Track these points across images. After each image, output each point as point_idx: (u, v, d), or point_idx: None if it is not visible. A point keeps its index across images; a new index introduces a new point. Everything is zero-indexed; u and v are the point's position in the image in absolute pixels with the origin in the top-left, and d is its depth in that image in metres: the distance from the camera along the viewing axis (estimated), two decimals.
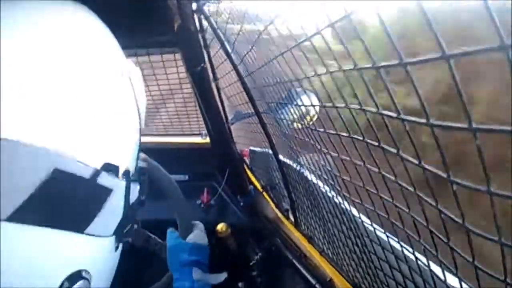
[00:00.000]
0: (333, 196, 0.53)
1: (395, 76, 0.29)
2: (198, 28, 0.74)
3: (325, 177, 0.52)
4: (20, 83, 0.25)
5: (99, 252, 0.35)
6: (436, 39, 0.21)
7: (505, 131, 0.20)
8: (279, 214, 0.86)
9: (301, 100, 0.54)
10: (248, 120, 0.88)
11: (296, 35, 0.37)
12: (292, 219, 0.80)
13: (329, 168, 0.49)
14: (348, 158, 0.41)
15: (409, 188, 0.31)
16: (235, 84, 0.81)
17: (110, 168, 0.31)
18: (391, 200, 0.36)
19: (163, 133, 1.30)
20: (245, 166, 1.03)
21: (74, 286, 0.30)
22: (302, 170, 0.66)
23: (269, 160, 0.83)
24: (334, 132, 0.41)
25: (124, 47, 0.84)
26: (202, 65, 0.78)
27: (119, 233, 0.36)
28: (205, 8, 0.70)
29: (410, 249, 0.39)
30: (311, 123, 0.51)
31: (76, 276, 0.31)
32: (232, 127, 0.99)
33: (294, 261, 0.74)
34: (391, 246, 0.43)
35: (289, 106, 0.58)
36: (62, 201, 0.28)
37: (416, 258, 0.38)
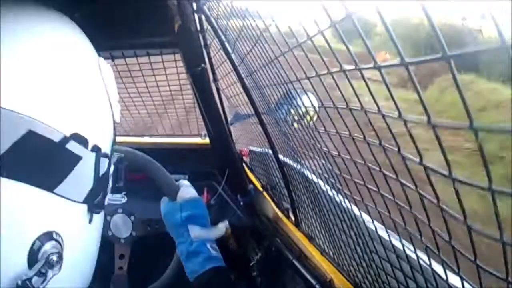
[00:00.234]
0: (334, 195, 0.53)
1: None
2: (198, 28, 0.74)
3: (326, 175, 0.52)
4: (5, 61, 0.30)
5: (72, 218, 0.37)
6: (437, 39, 0.21)
7: (505, 131, 0.20)
8: (279, 214, 0.86)
9: (301, 100, 0.54)
10: (248, 120, 0.88)
11: (297, 34, 0.37)
12: (293, 219, 0.80)
13: (330, 167, 0.49)
14: (348, 157, 0.41)
15: (411, 186, 0.31)
16: (235, 84, 0.81)
17: (79, 139, 0.36)
18: (392, 198, 0.36)
19: (163, 134, 1.30)
20: (245, 166, 1.03)
21: (45, 245, 0.32)
22: (302, 169, 0.66)
23: (269, 159, 0.83)
24: (334, 131, 0.41)
25: (124, 47, 0.84)
26: (202, 65, 0.78)
27: (90, 202, 0.39)
28: (205, 8, 0.70)
29: (412, 248, 0.39)
30: (311, 123, 0.52)
31: (48, 236, 0.33)
32: (232, 127, 0.99)
33: (294, 261, 0.74)
34: (392, 245, 0.43)
35: (289, 106, 0.58)
36: (34, 159, 0.32)
37: (418, 257, 0.38)
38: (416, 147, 0.28)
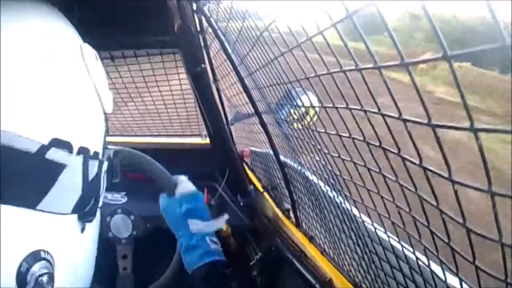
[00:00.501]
0: (334, 196, 0.53)
1: None
2: (198, 28, 0.74)
3: (326, 176, 0.52)
4: None
5: (61, 231, 0.34)
6: (438, 39, 0.21)
7: (506, 131, 0.20)
8: (279, 214, 0.86)
9: (301, 101, 0.54)
10: (249, 121, 0.88)
11: (297, 33, 0.37)
12: (293, 219, 0.80)
13: (330, 168, 0.49)
14: (348, 159, 0.41)
15: (410, 188, 0.31)
16: (235, 84, 0.81)
17: (60, 144, 0.32)
18: (392, 200, 0.36)
19: (164, 134, 1.30)
20: (245, 166, 1.03)
21: (33, 266, 0.30)
22: (303, 170, 0.66)
23: (270, 160, 0.83)
24: (334, 132, 0.41)
25: (124, 47, 0.84)
26: (202, 65, 0.78)
27: (80, 212, 0.36)
28: (205, 8, 0.70)
29: (411, 249, 0.39)
30: (311, 123, 0.51)
31: (35, 256, 0.30)
32: (233, 128, 0.99)
33: (294, 261, 0.74)
34: (392, 245, 0.43)
35: (289, 106, 0.58)
36: (9, 176, 0.28)
37: (417, 258, 0.38)
38: (416, 148, 0.28)
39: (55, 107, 0.32)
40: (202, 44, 0.78)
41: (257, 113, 0.73)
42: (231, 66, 0.72)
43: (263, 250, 0.90)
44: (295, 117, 0.58)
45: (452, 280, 0.35)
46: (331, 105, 0.38)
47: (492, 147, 3.71)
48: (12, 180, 0.28)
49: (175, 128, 1.28)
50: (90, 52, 0.39)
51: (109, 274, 0.91)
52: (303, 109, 0.54)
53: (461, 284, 0.32)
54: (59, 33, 0.36)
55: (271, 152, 0.77)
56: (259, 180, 1.01)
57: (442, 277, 0.35)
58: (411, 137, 0.28)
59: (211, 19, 0.70)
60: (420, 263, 0.38)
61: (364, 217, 0.49)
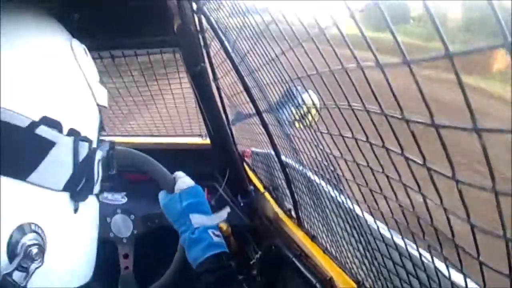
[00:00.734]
0: (336, 195, 0.53)
1: None
2: (198, 28, 0.74)
3: (328, 176, 0.52)
4: None
5: (52, 207, 0.35)
6: (440, 38, 0.21)
7: (507, 131, 0.20)
8: (280, 214, 0.86)
9: (302, 99, 0.54)
10: (250, 121, 0.88)
11: (309, 26, 0.36)
12: (295, 219, 0.80)
13: (332, 169, 0.49)
14: (351, 160, 0.41)
15: (413, 188, 0.31)
16: (236, 83, 0.81)
17: (50, 122, 0.34)
18: (394, 199, 0.36)
19: (164, 134, 1.30)
20: (246, 167, 1.03)
21: (24, 238, 0.31)
22: (304, 170, 0.66)
23: (271, 160, 0.83)
24: (337, 133, 0.41)
25: (124, 46, 0.84)
26: (202, 64, 0.78)
27: (72, 190, 0.37)
28: (205, 8, 0.70)
29: (414, 246, 0.39)
30: (312, 122, 0.51)
31: (26, 228, 0.32)
32: (234, 128, 0.99)
33: (294, 260, 0.74)
34: (395, 243, 0.43)
35: (290, 105, 0.58)
36: (1, 148, 0.30)
37: (420, 254, 0.38)
38: (420, 149, 0.28)
39: (46, 90, 0.35)
40: (202, 43, 0.78)
41: (258, 113, 0.73)
42: (231, 65, 0.72)
43: (263, 249, 0.90)
44: (297, 117, 0.58)
45: (456, 276, 0.35)
46: (332, 105, 0.38)
47: None
48: (4, 152, 0.30)
49: (175, 128, 1.28)
50: (79, 46, 0.42)
51: (111, 274, 0.91)
52: (304, 108, 0.54)
53: (465, 281, 0.33)
54: (49, 30, 0.39)
55: (273, 152, 0.77)
56: (260, 180, 1.01)
57: (446, 273, 0.35)
58: (414, 137, 0.28)
59: (211, 18, 0.70)
60: (423, 259, 0.38)
61: (367, 215, 0.49)
